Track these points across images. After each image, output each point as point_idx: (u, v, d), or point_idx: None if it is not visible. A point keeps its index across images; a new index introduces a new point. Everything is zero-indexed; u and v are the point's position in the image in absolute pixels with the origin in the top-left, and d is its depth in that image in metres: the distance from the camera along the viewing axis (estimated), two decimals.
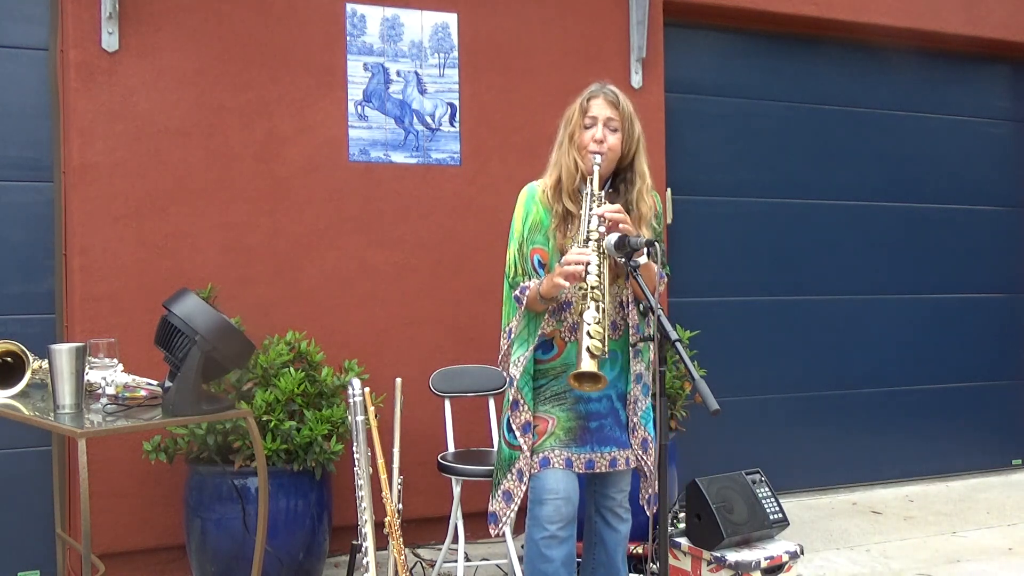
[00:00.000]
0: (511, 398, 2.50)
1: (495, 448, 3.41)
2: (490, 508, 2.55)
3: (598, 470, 2.52)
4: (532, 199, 2.56)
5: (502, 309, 2.58)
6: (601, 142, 2.46)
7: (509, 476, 2.50)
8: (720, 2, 4.62)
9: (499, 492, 2.52)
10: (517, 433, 2.48)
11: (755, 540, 3.34)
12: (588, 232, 2.34)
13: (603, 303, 2.26)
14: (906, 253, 5.23)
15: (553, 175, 2.54)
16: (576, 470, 2.49)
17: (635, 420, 2.55)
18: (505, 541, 3.22)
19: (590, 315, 2.23)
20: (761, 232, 4.91)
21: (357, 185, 3.93)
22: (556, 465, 2.46)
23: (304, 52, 3.86)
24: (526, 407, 2.49)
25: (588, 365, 2.19)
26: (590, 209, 2.38)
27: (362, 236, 3.94)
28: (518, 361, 2.49)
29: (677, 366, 3.86)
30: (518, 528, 2.56)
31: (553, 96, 4.22)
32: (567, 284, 2.30)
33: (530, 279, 2.48)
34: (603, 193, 2.45)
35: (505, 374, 2.56)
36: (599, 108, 2.50)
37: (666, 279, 2.61)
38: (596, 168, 2.43)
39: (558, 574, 2.45)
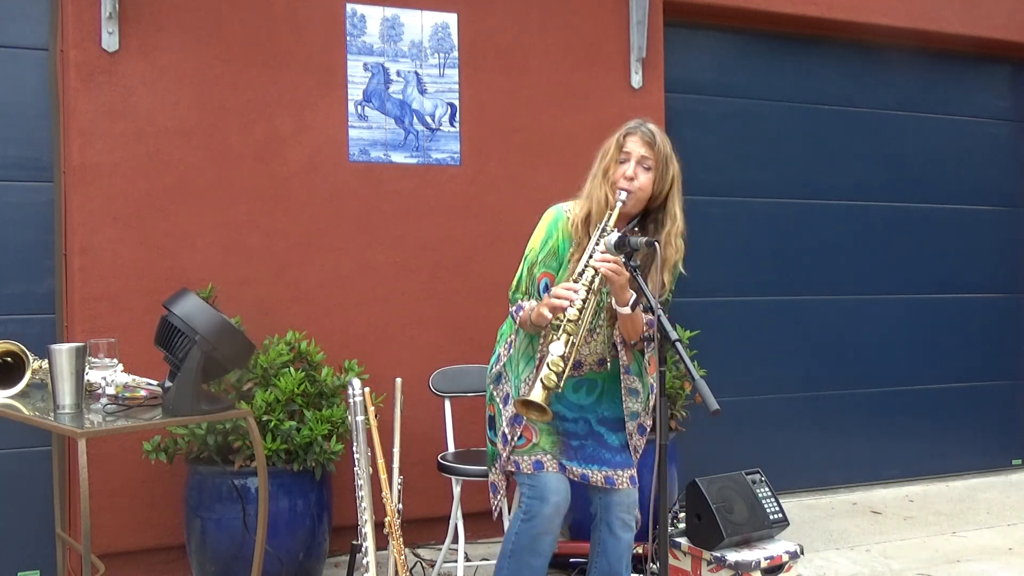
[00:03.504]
0: (511, 389, 2.55)
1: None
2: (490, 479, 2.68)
3: (593, 483, 2.56)
4: (556, 225, 2.55)
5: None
6: (632, 179, 2.45)
7: (494, 470, 2.60)
8: (720, 2, 4.62)
9: (489, 484, 2.67)
10: (505, 429, 2.53)
11: (755, 540, 3.34)
12: (586, 265, 2.35)
13: (575, 339, 2.28)
14: (906, 253, 5.23)
15: (584, 207, 2.53)
16: (570, 476, 2.53)
17: (635, 442, 2.59)
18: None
19: (556, 347, 2.25)
20: (761, 232, 4.91)
21: (357, 185, 3.93)
22: (550, 469, 2.49)
23: (304, 52, 3.85)
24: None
25: (537, 395, 2.22)
26: (596, 243, 2.39)
27: (362, 236, 3.94)
28: (527, 380, 2.51)
29: (677, 366, 3.86)
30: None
31: (553, 96, 4.23)
32: (549, 316, 2.32)
33: (530, 299, 2.51)
34: (615, 229, 2.44)
35: (502, 378, 2.60)
36: (634, 145, 2.49)
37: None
38: (619, 204, 2.43)
39: (544, 566, 2.54)
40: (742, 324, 4.86)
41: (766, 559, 3.22)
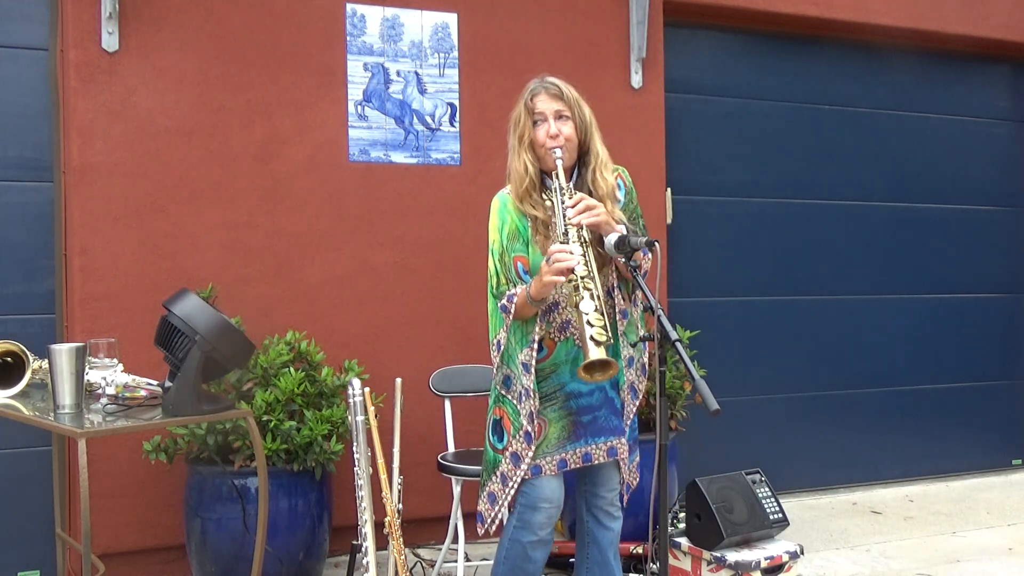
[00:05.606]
0: (521, 387, 2.44)
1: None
2: (478, 507, 2.57)
3: (596, 462, 2.51)
4: (505, 208, 2.52)
5: (488, 323, 2.57)
6: (557, 135, 2.42)
7: (493, 479, 2.51)
8: (720, 2, 4.62)
9: (484, 493, 2.55)
10: (523, 421, 2.43)
11: (755, 540, 3.34)
12: (565, 226, 2.31)
13: (597, 290, 2.23)
14: (906, 253, 5.23)
15: (513, 187, 2.51)
16: (572, 467, 2.49)
17: (626, 399, 2.53)
18: None
19: (587, 305, 2.20)
20: (761, 232, 4.91)
21: (357, 185, 3.93)
22: (548, 472, 2.46)
23: (304, 52, 3.86)
24: (534, 397, 2.43)
25: (596, 353, 2.16)
26: (562, 203, 2.34)
27: (362, 236, 3.94)
28: (526, 355, 2.46)
29: (677, 366, 3.86)
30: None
31: None
32: (561, 279, 2.25)
33: (515, 287, 2.45)
34: (571, 185, 2.42)
35: (512, 380, 2.52)
36: (545, 103, 2.47)
37: (649, 255, 2.54)
38: (559, 162, 2.39)
39: (539, 573, 2.52)
40: (742, 324, 4.86)
41: (766, 559, 3.22)
